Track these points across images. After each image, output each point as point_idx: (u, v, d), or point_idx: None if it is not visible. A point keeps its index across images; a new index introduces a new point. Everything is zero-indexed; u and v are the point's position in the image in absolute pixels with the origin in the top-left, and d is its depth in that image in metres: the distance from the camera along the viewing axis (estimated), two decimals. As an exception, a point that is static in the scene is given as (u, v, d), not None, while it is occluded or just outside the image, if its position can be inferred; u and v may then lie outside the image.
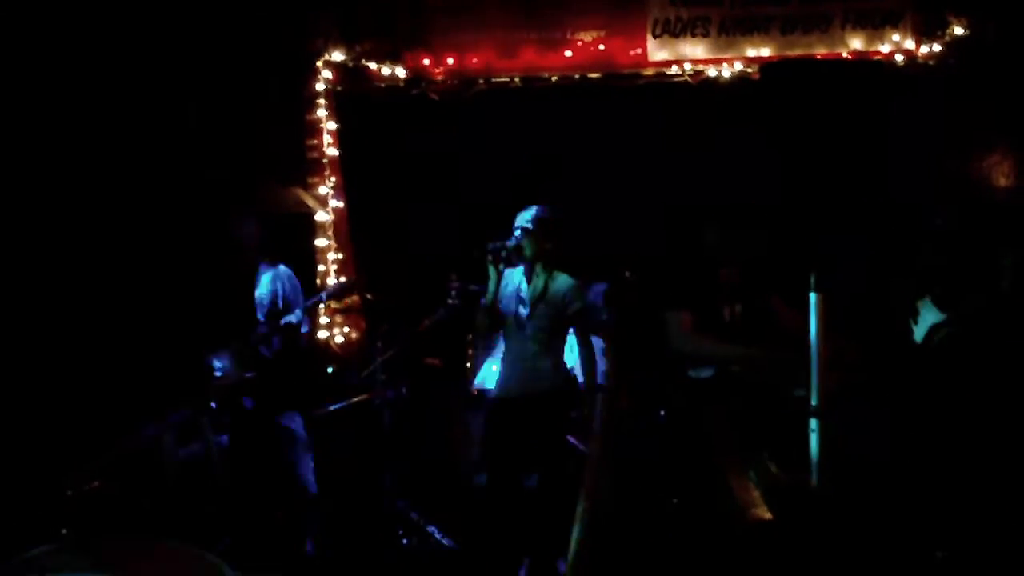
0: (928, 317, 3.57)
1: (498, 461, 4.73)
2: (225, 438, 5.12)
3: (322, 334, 6.49)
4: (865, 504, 3.18)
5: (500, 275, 4.67)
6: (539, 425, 4.67)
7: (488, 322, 4.77)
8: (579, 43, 6.65)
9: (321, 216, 6.56)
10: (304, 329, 5.30)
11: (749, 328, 3.90)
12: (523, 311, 4.73)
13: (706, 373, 3.77)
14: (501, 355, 4.91)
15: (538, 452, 4.68)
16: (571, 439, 5.32)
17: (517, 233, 4.68)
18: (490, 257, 4.65)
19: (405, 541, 5.34)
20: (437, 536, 5.40)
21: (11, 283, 5.28)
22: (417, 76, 6.68)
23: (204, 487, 4.89)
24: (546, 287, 4.73)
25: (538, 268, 4.76)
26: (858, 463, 3.17)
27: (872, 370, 3.47)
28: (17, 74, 5.51)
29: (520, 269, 4.80)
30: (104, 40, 5.78)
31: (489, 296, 4.69)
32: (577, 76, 6.67)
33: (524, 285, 4.77)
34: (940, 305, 3.52)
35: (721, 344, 3.81)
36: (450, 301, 5.14)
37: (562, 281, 4.74)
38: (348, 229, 6.67)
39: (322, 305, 5.97)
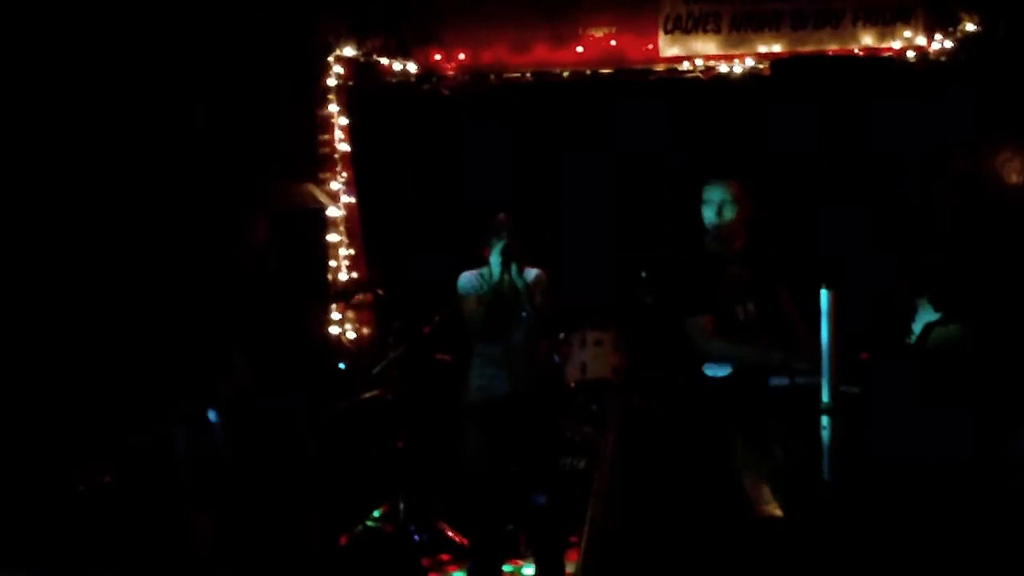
0: (924, 316, 3.60)
1: (494, 463, 4.68)
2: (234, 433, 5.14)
3: (334, 330, 6.50)
4: (877, 501, 3.19)
5: (504, 273, 4.70)
6: (532, 423, 4.68)
7: (489, 319, 4.75)
8: (591, 39, 6.66)
9: (333, 212, 6.57)
10: None
11: (764, 326, 3.91)
12: (517, 309, 4.74)
13: (722, 372, 3.77)
14: (489, 355, 4.85)
15: (534, 451, 4.69)
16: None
17: (498, 247, 4.70)
18: (494, 256, 4.70)
19: (417, 537, 5.37)
20: (449, 533, 5.42)
21: (26, 281, 5.31)
22: (428, 72, 6.69)
23: (215, 483, 4.92)
24: (526, 283, 4.75)
25: (519, 266, 4.76)
26: (877, 461, 3.19)
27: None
28: (30, 76, 5.53)
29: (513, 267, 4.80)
30: (114, 38, 5.79)
31: (490, 293, 4.71)
32: (588, 72, 6.67)
33: (518, 282, 4.76)
34: (936, 305, 3.56)
35: (742, 347, 3.82)
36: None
37: (534, 275, 4.78)
38: (360, 224, 6.68)
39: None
